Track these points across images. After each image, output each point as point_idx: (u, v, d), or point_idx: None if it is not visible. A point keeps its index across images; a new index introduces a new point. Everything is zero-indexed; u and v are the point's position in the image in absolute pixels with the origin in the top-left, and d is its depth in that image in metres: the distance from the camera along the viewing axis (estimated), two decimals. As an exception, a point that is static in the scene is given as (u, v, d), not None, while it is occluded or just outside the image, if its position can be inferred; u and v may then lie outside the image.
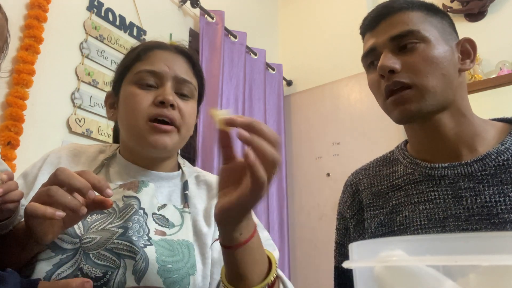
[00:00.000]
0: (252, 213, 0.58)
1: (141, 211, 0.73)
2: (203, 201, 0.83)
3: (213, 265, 0.75)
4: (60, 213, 0.56)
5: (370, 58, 0.81)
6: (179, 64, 0.82)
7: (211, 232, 0.78)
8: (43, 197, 0.57)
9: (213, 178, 0.90)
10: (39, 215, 0.55)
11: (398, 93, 0.75)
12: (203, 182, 0.88)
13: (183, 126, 0.80)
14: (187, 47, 0.88)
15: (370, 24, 0.81)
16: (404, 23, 0.76)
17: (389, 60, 0.75)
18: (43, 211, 0.55)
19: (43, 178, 0.79)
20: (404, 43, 0.75)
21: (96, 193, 0.59)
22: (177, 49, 0.84)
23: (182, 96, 0.81)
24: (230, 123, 0.51)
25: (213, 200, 0.83)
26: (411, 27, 0.75)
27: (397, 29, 0.76)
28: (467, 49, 0.80)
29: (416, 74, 0.74)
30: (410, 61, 0.74)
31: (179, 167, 0.90)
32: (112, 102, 0.86)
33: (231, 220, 0.55)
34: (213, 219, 0.78)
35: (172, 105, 0.77)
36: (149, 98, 0.78)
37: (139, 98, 0.77)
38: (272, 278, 0.60)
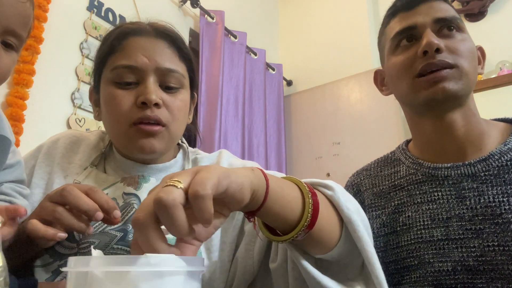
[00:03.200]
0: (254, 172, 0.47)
1: None
2: None
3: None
4: (62, 235, 0.55)
5: (405, 34, 0.79)
6: (161, 52, 0.71)
7: None
8: (47, 216, 0.56)
9: (212, 159, 0.81)
10: (40, 237, 0.55)
11: (438, 72, 0.74)
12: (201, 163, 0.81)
13: (172, 123, 0.71)
14: (170, 28, 0.76)
15: (407, 5, 0.81)
16: (449, 9, 0.79)
17: (436, 39, 0.75)
18: (43, 233, 0.54)
19: (41, 171, 0.75)
20: (449, 26, 0.77)
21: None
22: (157, 33, 0.73)
23: (168, 89, 0.71)
24: None
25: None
26: (455, 14, 0.79)
27: (443, 13, 0.78)
28: (478, 56, 0.82)
29: (459, 56, 0.75)
30: (453, 45, 0.76)
31: (176, 150, 0.83)
32: (96, 99, 0.77)
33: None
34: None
35: (156, 104, 0.68)
36: (130, 98, 0.68)
37: (118, 100, 0.68)
38: (310, 201, 0.50)
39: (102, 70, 0.73)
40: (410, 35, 0.79)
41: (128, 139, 0.70)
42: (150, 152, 0.70)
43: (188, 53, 0.76)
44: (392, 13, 0.84)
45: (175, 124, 0.72)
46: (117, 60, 0.70)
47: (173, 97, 0.71)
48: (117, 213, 0.58)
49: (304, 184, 0.52)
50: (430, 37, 0.74)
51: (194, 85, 0.80)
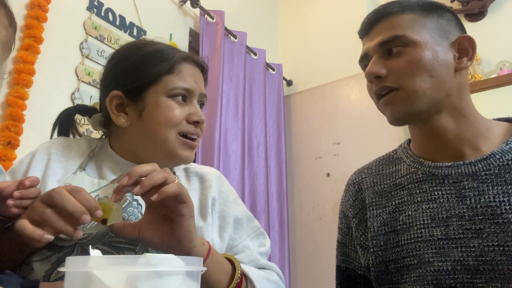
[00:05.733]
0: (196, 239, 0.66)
1: (135, 203, 0.74)
2: (196, 194, 0.84)
3: None
4: (48, 237, 0.56)
5: (364, 63, 0.84)
6: (201, 80, 0.87)
7: (208, 224, 0.80)
8: (36, 217, 0.57)
9: (204, 170, 0.91)
10: (27, 237, 0.55)
11: (386, 95, 0.77)
12: (193, 174, 0.89)
13: (201, 137, 0.86)
14: (187, 51, 0.90)
15: (364, 30, 0.83)
16: (392, 28, 0.77)
17: (375, 66, 0.77)
18: (31, 233, 0.55)
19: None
20: (391, 47, 0.77)
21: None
22: (197, 63, 0.86)
23: (200, 108, 0.86)
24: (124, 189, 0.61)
25: (208, 191, 0.85)
26: (397, 32, 0.76)
27: (384, 35, 0.77)
28: (465, 47, 0.78)
29: (402, 77, 0.75)
30: (396, 65, 0.76)
31: None
32: (120, 104, 0.82)
33: (175, 250, 0.63)
34: (209, 211, 0.82)
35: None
36: (183, 114, 0.80)
37: (176, 112, 0.79)
38: (238, 279, 0.70)
39: (153, 84, 0.81)
40: (366, 61, 0.82)
41: (173, 148, 0.80)
42: (189, 162, 0.84)
43: (207, 81, 0.91)
44: (360, 37, 0.87)
45: (200, 138, 0.86)
46: (176, 81, 0.81)
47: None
48: (99, 213, 0.59)
49: (239, 265, 0.72)
50: (369, 67, 0.78)
51: None
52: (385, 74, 0.76)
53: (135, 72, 0.81)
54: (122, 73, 0.83)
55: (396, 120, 0.78)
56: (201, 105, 0.87)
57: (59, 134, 0.91)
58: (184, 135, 0.81)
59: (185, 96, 0.82)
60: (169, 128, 0.79)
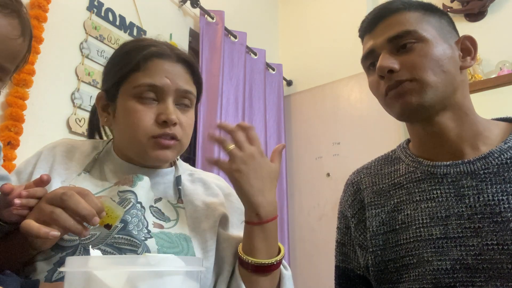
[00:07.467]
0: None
1: (139, 205, 0.74)
2: (202, 199, 0.84)
3: (222, 261, 0.79)
4: (55, 233, 0.56)
5: (370, 60, 0.82)
6: (180, 75, 0.79)
7: (214, 229, 0.80)
8: (45, 217, 0.58)
9: (208, 177, 0.90)
10: (33, 236, 0.56)
11: (398, 87, 0.76)
12: (198, 180, 0.89)
13: (183, 138, 0.79)
14: (187, 51, 0.85)
15: (368, 27, 0.82)
16: (401, 24, 0.77)
17: (388, 61, 0.75)
18: (36, 231, 0.55)
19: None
20: (402, 43, 0.76)
21: None
22: (178, 58, 0.80)
23: (182, 106, 0.80)
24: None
25: (214, 198, 0.85)
26: (408, 27, 0.76)
27: (395, 30, 0.77)
28: (468, 47, 0.80)
29: (416, 70, 0.74)
30: (409, 60, 0.75)
31: (173, 162, 0.91)
32: (105, 104, 0.83)
33: (241, 198, 0.74)
34: (216, 217, 0.81)
35: (174, 123, 0.76)
36: (151, 115, 0.75)
37: (140, 114, 0.75)
38: (275, 261, 0.75)
39: (122, 83, 0.78)
40: (373, 58, 0.80)
41: (145, 149, 0.76)
42: (164, 161, 0.80)
43: (200, 77, 0.85)
44: (360, 35, 0.86)
45: (186, 138, 0.80)
46: (140, 78, 0.76)
47: (185, 115, 0.80)
48: (103, 214, 0.61)
49: (283, 255, 0.79)
50: (381, 61, 0.76)
51: (198, 102, 0.89)
52: (398, 68, 0.75)
53: (110, 72, 0.82)
54: (104, 73, 0.85)
55: (406, 113, 0.77)
56: (184, 105, 0.80)
57: (90, 134, 0.94)
58: (157, 136, 0.76)
59: (156, 95, 0.76)
60: (138, 132, 0.75)
